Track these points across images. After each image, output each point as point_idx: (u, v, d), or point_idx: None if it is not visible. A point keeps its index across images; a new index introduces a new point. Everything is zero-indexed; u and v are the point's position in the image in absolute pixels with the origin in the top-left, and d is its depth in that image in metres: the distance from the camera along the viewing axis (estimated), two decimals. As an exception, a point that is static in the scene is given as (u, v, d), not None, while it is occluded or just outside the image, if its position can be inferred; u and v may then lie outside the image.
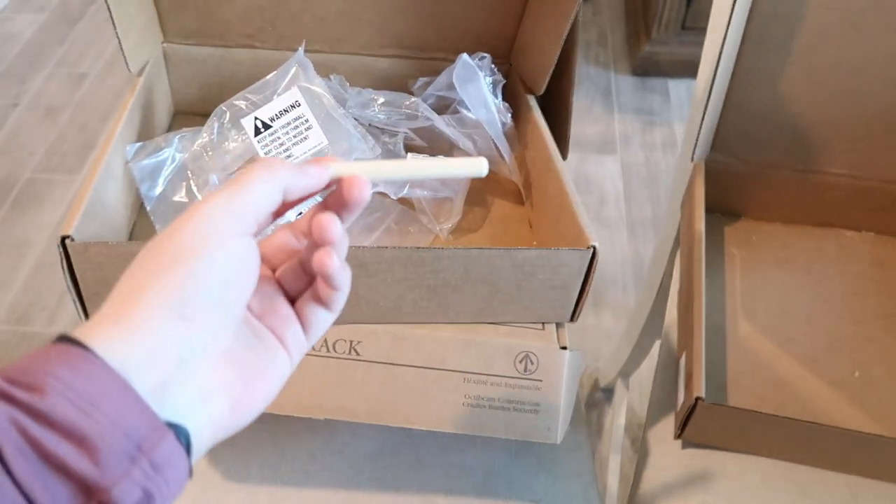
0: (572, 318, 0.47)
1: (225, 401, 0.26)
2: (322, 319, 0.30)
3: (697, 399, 0.46)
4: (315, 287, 0.29)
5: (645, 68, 1.46)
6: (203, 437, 0.25)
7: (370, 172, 0.28)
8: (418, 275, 0.42)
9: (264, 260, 0.29)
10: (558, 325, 0.47)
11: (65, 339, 0.22)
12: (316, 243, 0.27)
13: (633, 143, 1.37)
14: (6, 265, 1.16)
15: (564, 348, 0.45)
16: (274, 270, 0.30)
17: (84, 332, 0.22)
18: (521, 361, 0.45)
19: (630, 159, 1.34)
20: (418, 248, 0.41)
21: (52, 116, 1.45)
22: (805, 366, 0.55)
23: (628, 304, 1.14)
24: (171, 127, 0.58)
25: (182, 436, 0.23)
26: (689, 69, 1.45)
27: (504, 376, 0.45)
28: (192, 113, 0.59)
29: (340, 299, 0.29)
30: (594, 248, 0.43)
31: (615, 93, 1.46)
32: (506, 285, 0.44)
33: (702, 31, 1.59)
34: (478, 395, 0.45)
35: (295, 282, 0.30)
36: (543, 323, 0.47)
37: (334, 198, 0.28)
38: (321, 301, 0.29)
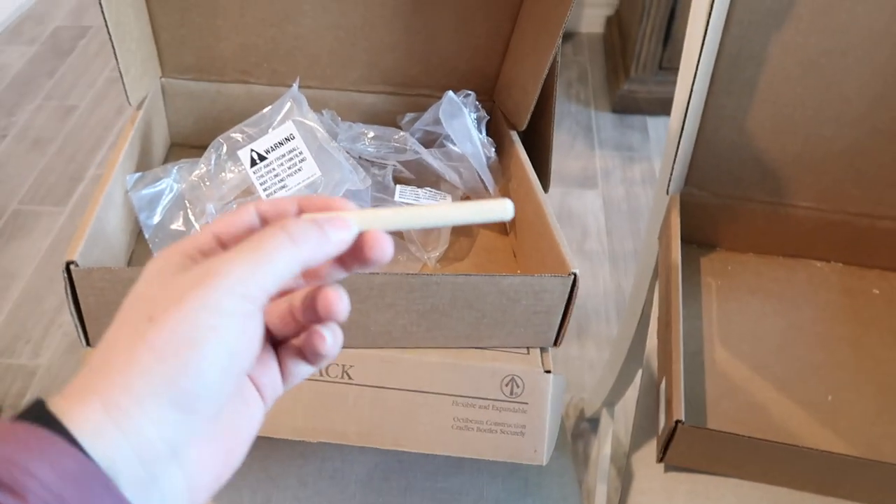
0: (555, 343, 0.49)
1: (209, 481, 0.25)
2: (303, 372, 0.29)
3: (677, 422, 0.48)
4: (303, 345, 0.28)
5: (624, 106, 1.51)
6: None
7: (392, 223, 0.26)
8: (408, 300, 0.44)
9: None
10: (542, 349, 0.49)
11: (48, 419, 0.20)
12: (318, 314, 0.26)
13: (613, 177, 1.41)
14: (-10, 296, 1.15)
15: (548, 372, 0.47)
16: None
17: (69, 411, 0.21)
18: (507, 385, 0.47)
19: (611, 194, 1.38)
20: (409, 274, 0.43)
21: (40, 148, 1.46)
22: (780, 390, 0.57)
23: (611, 335, 1.16)
24: (168, 158, 0.60)
25: None
26: (666, 107, 1.50)
27: (491, 399, 0.46)
28: (187, 145, 0.61)
29: (327, 362, 0.28)
30: (575, 274, 0.45)
31: (596, 129, 1.51)
32: (492, 311, 0.45)
33: (677, 71, 1.65)
34: (465, 417, 0.46)
35: (282, 327, 0.28)
36: (528, 347, 0.48)
37: (350, 250, 0.26)
38: (306, 359, 0.28)
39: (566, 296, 0.46)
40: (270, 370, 0.28)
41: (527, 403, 0.47)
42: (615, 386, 0.96)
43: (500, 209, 0.26)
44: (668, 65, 1.43)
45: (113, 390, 0.21)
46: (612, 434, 1.02)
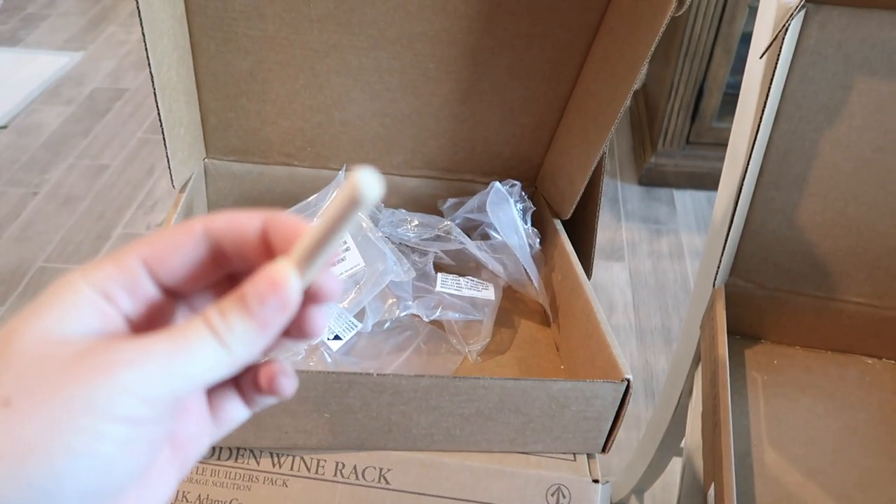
0: (604, 450, 0.46)
1: None
2: (236, 415, 0.23)
3: (731, 536, 0.45)
4: (246, 380, 0.22)
5: (651, 179, 1.51)
6: None
7: (318, 261, 0.20)
8: (454, 403, 0.42)
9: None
10: (589, 455, 0.46)
11: None
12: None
13: (640, 250, 1.39)
14: (10, 355, 1.14)
15: (597, 481, 0.45)
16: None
17: None
18: (552, 494, 0.44)
19: (638, 266, 1.36)
20: (455, 377, 0.41)
21: (70, 206, 1.48)
22: (837, 500, 0.54)
23: (639, 415, 1.13)
24: (205, 238, 0.59)
25: None
26: (692, 181, 1.50)
27: (536, 510, 0.44)
28: (225, 224, 0.60)
29: (268, 403, 0.23)
30: (628, 381, 0.43)
31: (622, 201, 1.50)
32: (539, 415, 0.43)
33: (705, 146, 1.64)
34: (509, 529, 0.43)
35: None
36: (574, 453, 0.46)
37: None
38: (245, 395, 0.23)
39: (618, 402, 0.44)
40: (198, 417, 0.22)
41: (574, 515, 0.44)
42: (646, 473, 0.92)
43: (358, 196, 0.19)
44: (695, 140, 1.43)
45: None
46: (643, 523, 0.98)
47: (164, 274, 0.21)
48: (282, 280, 0.19)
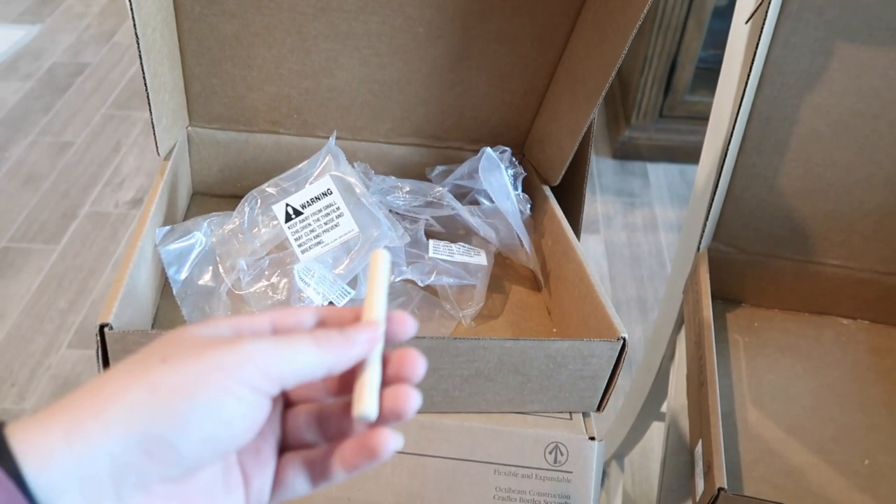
0: (599, 408, 0.47)
1: None
2: (298, 487, 0.27)
3: (720, 490, 0.47)
4: (317, 455, 0.27)
5: (624, 152, 1.52)
6: None
7: (383, 307, 0.27)
8: (454, 364, 0.42)
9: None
10: (584, 414, 0.47)
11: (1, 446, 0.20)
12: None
13: (615, 223, 1.41)
14: (-22, 338, 1.11)
15: (593, 438, 0.46)
16: (289, 404, 0.28)
17: (27, 433, 0.20)
18: (550, 452, 0.45)
19: (613, 239, 1.38)
20: (455, 338, 0.41)
21: (33, 184, 1.43)
22: (816, 454, 0.56)
23: (616, 384, 1.15)
24: (190, 207, 0.58)
25: None
26: (665, 154, 1.52)
27: (534, 468, 0.44)
28: (210, 194, 0.59)
29: (343, 477, 0.27)
30: (624, 339, 0.44)
31: (597, 175, 1.52)
32: (537, 375, 0.44)
33: (678, 119, 1.65)
34: (508, 487, 0.44)
35: (299, 430, 0.28)
36: (571, 412, 0.47)
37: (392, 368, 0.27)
38: (314, 472, 0.27)
39: (613, 360, 0.44)
40: (265, 470, 0.27)
41: (571, 472, 0.45)
42: (627, 438, 0.94)
43: (383, 261, 0.29)
44: (668, 113, 1.44)
45: (86, 412, 0.21)
46: (622, 487, 1.00)
47: (283, 332, 0.27)
48: (374, 322, 0.27)
